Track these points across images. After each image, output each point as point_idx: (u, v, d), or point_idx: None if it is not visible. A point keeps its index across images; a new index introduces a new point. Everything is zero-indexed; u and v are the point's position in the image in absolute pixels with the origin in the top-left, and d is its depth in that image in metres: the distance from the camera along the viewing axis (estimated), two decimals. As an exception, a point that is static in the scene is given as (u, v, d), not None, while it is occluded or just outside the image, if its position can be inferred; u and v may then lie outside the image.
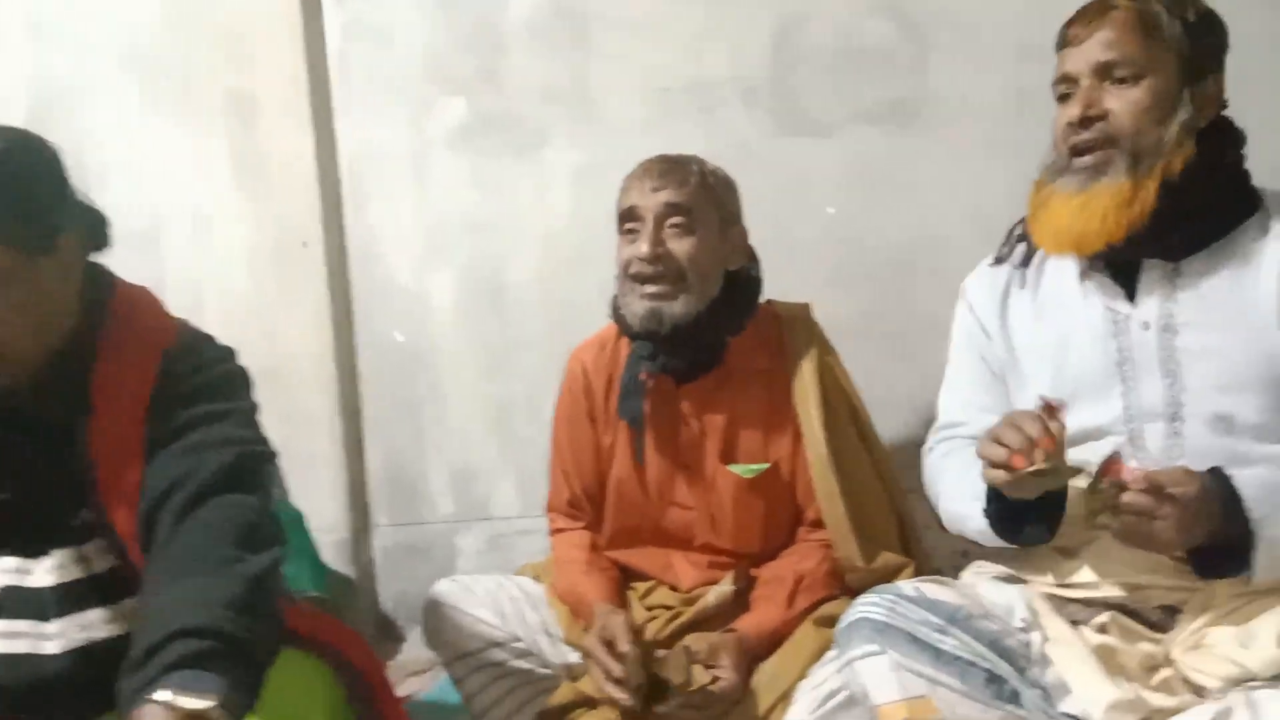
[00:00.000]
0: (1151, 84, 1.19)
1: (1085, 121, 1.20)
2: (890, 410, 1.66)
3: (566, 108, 2.00)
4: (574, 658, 1.49)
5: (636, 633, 1.42)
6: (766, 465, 1.51)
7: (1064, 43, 1.24)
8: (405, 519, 2.11)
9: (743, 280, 1.56)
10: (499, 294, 2.06)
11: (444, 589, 1.56)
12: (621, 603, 1.51)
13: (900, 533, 1.54)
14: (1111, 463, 1.12)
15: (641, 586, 1.57)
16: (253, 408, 1.23)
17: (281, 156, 2.07)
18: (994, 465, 1.14)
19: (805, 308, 1.60)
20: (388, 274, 2.09)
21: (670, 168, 1.51)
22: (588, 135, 1.99)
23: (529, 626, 1.52)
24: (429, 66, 2.04)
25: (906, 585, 1.22)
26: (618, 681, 1.36)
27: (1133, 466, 1.10)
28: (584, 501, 1.62)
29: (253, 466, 1.17)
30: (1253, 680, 1.08)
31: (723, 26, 1.92)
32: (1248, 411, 1.18)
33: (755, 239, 1.57)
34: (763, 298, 1.58)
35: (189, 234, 2.11)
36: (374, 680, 1.21)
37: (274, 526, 1.14)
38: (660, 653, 1.40)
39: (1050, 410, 1.14)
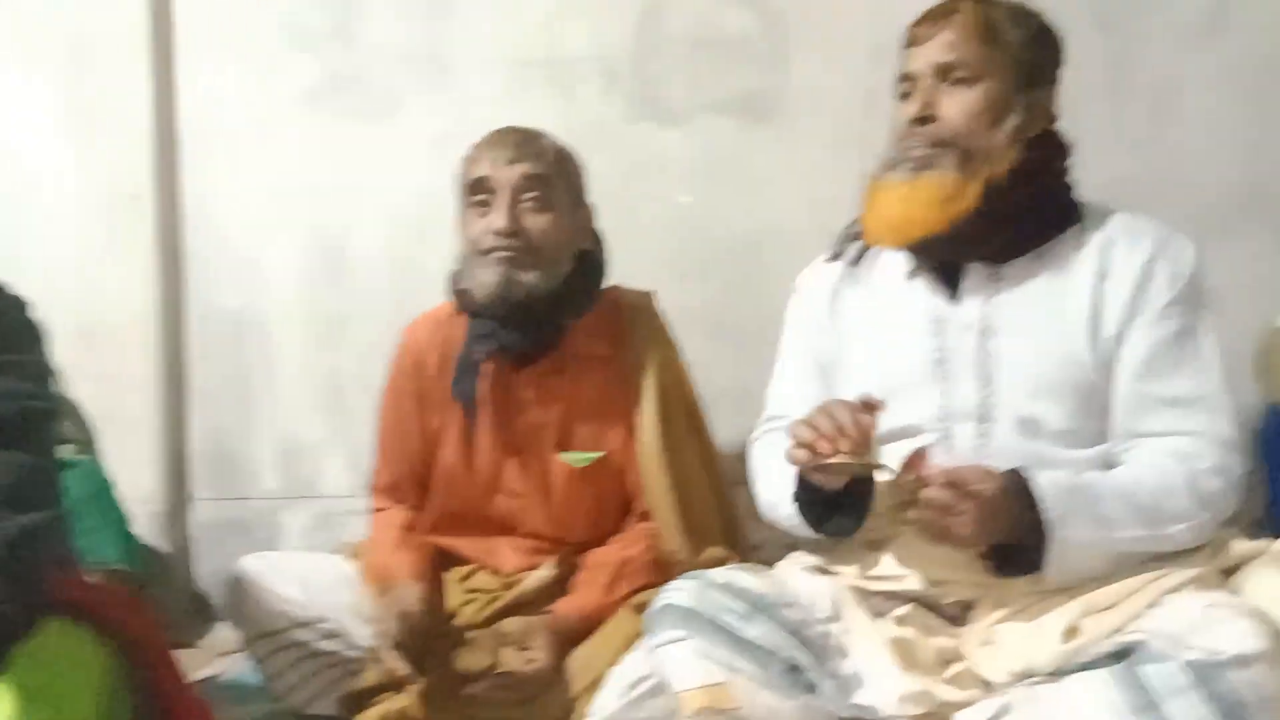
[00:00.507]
0: (987, 87, 1.21)
1: (921, 121, 1.22)
2: (730, 402, 1.65)
3: (421, 74, 1.94)
4: (384, 639, 1.44)
5: (433, 608, 1.38)
6: (600, 454, 1.49)
7: (909, 42, 1.25)
8: (227, 493, 2.02)
9: (589, 263, 1.53)
10: (340, 263, 1.98)
11: (250, 565, 1.50)
12: (433, 581, 1.46)
13: (727, 527, 1.53)
14: (916, 457, 1.14)
15: (462, 569, 1.52)
16: (41, 362, 1.14)
17: (116, 104, 1.96)
18: (800, 445, 1.14)
19: (649, 296, 1.58)
20: (223, 235, 1.99)
21: (526, 139, 1.47)
22: (442, 104, 1.93)
23: (338, 607, 1.46)
24: (280, 20, 1.95)
25: (717, 572, 1.21)
26: (397, 647, 1.32)
27: (936, 463, 1.12)
28: (405, 485, 1.57)
29: (33, 422, 1.09)
30: (1035, 675, 1.10)
31: (585, 5, 1.90)
32: (1054, 417, 1.21)
33: (603, 223, 1.55)
34: (607, 283, 1.55)
35: (11, 179, 1.97)
36: (155, 657, 1.14)
37: (48, 487, 1.06)
38: (471, 634, 1.37)
39: (868, 406, 1.15)
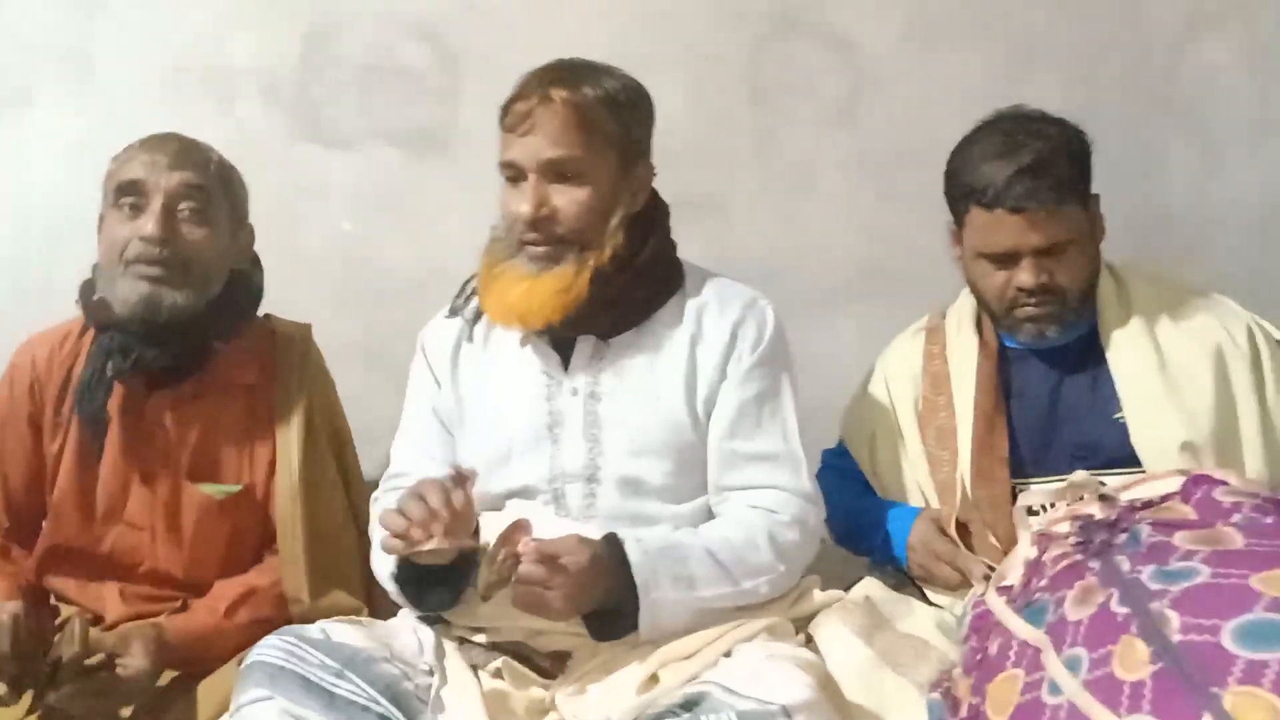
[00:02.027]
0: (595, 183, 1.25)
1: (536, 221, 1.23)
2: (388, 437, 1.63)
3: (62, 67, 1.77)
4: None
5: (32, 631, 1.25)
6: (239, 487, 1.41)
7: (508, 126, 1.26)
8: None
9: (243, 285, 1.46)
10: (-50, 268, 1.77)
11: None
12: (35, 604, 1.32)
13: (367, 573, 1.42)
14: (511, 532, 1.16)
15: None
16: None
17: None
18: (395, 535, 1.13)
19: (306, 328, 1.53)
20: None
21: (188, 148, 1.39)
22: (84, 102, 1.78)
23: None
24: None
25: (313, 628, 1.18)
26: None
27: (529, 539, 1.14)
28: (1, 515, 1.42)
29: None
30: (613, 725, 1.15)
31: (251, 16, 1.81)
32: (656, 475, 1.28)
33: (261, 246, 1.49)
34: (263, 309, 1.48)
35: None
36: None
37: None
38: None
39: (459, 479, 1.16)
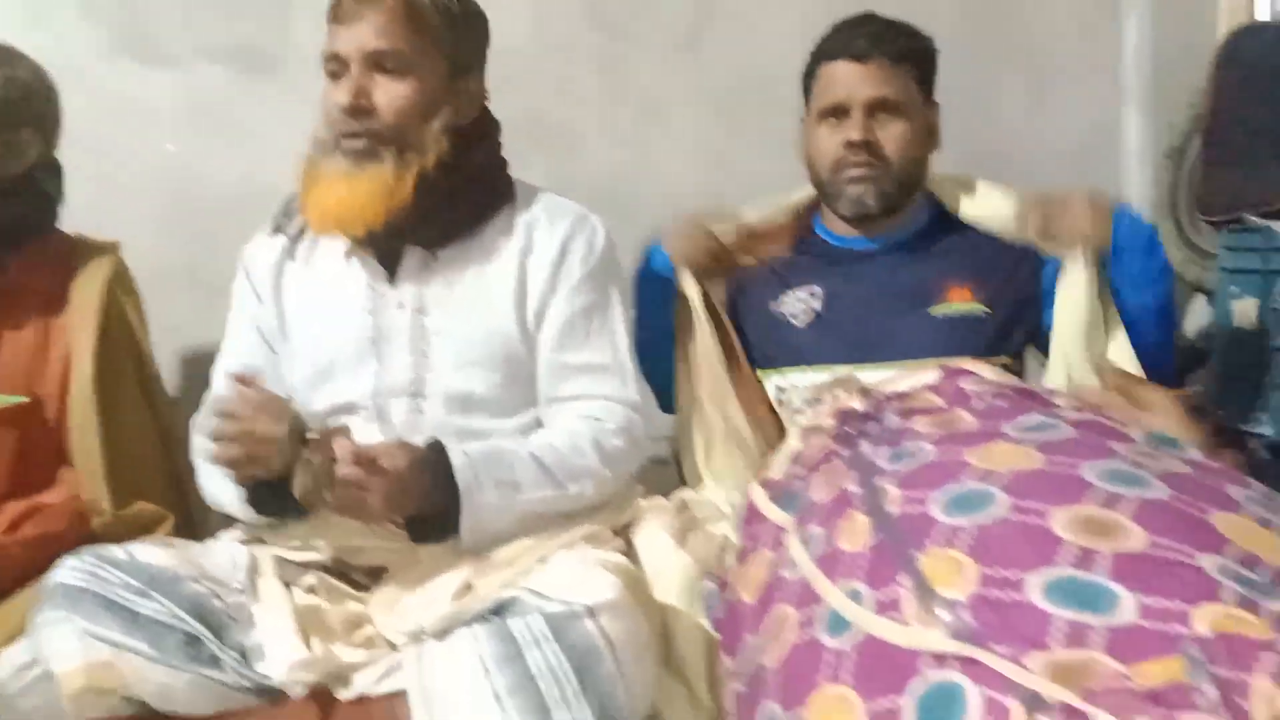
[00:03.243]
0: (419, 80, 1.23)
1: (355, 111, 1.21)
2: (204, 362, 1.60)
3: None
4: None
5: None
6: (23, 399, 1.36)
7: (334, 17, 1.24)
8: None
9: (33, 193, 1.41)
10: None
11: None
12: None
13: (172, 486, 1.45)
14: (328, 436, 1.15)
15: None
16: None
17: None
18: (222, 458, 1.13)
19: (111, 244, 1.48)
20: None
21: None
22: None
23: None
24: None
25: (117, 548, 1.16)
26: None
27: (345, 441, 1.14)
28: None
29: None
30: (427, 634, 1.16)
31: (67, -77, 1.71)
32: (483, 388, 1.29)
33: (76, 166, 1.43)
34: (75, 229, 1.44)
35: None
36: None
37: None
38: None
39: (242, 380, 1.15)
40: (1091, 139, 2.07)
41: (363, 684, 1.15)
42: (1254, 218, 1.56)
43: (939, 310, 1.44)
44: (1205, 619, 0.57)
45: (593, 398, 1.31)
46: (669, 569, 1.22)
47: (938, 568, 0.64)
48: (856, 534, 0.70)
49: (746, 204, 1.64)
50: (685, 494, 1.36)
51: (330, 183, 1.23)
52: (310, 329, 1.31)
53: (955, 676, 0.58)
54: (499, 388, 1.30)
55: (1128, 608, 0.58)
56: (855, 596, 0.66)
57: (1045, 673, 0.56)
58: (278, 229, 1.36)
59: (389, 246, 1.29)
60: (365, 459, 1.12)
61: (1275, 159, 1.63)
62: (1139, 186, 2.07)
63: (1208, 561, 0.60)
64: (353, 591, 1.24)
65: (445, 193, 1.25)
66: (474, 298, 1.30)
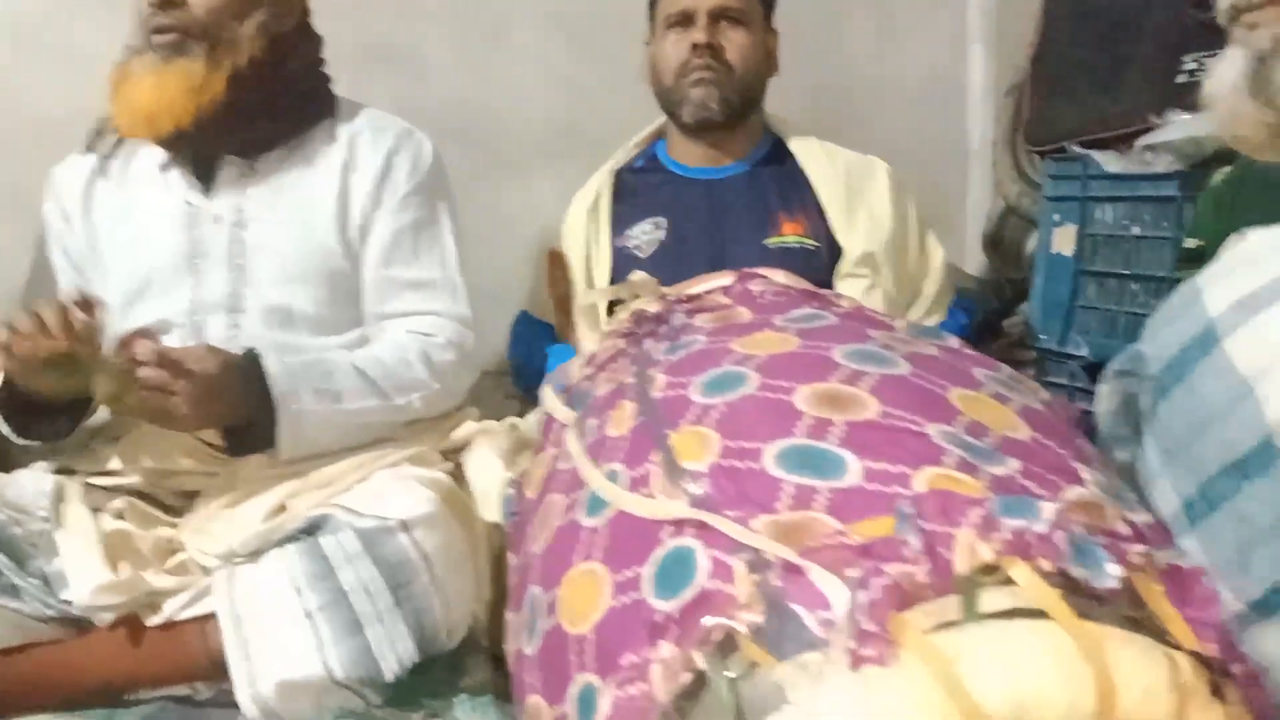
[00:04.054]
0: None
1: (164, 3, 1.18)
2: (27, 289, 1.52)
3: None
4: None
5: None
6: None
7: None
8: None
9: None
10: None
11: None
12: None
13: None
14: (132, 338, 1.11)
15: None
16: None
17: None
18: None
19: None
20: None
21: None
22: None
23: None
24: None
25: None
26: None
27: (148, 342, 1.10)
28: None
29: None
30: (239, 557, 1.14)
31: None
32: (306, 304, 1.27)
33: None
34: None
35: None
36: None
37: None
38: None
39: (85, 305, 1.09)
40: (936, 76, 2.11)
41: (172, 609, 1.13)
42: (1075, 147, 1.62)
43: (773, 242, 1.49)
44: (924, 481, 0.59)
45: (422, 314, 1.30)
46: (497, 489, 1.23)
47: (686, 443, 0.65)
48: (623, 420, 0.71)
49: (596, 130, 1.65)
50: (515, 418, 1.36)
51: (138, 80, 1.20)
52: (123, 247, 1.27)
53: (689, 542, 0.60)
54: (322, 304, 1.28)
55: (853, 472, 0.60)
56: (613, 477, 0.67)
57: (769, 533, 0.58)
58: (89, 148, 1.31)
59: (203, 155, 1.26)
60: (171, 362, 1.09)
61: (1096, 91, 1.70)
62: (981, 123, 2.13)
63: (935, 430, 0.63)
64: (164, 517, 1.21)
65: (260, 97, 1.23)
66: (294, 211, 1.27)
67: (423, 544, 1.10)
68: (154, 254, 1.26)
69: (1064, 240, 1.63)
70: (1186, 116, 1.48)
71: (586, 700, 0.60)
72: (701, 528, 0.60)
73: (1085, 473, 0.63)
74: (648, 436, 0.67)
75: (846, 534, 0.57)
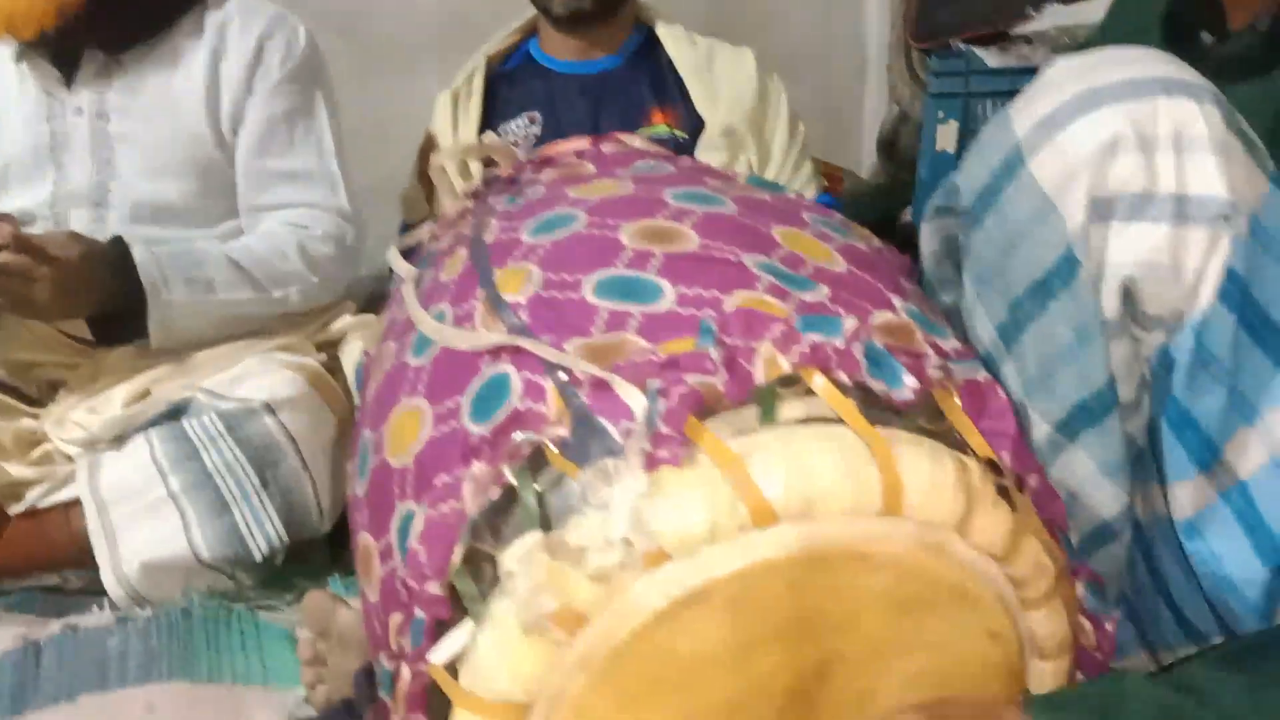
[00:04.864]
0: None
1: None
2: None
3: None
4: None
5: None
6: None
7: None
8: None
9: None
10: None
11: None
12: None
13: None
14: None
15: None
16: None
17: None
18: None
19: None
20: None
21: None
22: None
23: None
24: None
25: None
26: None
27: (5, 226, 1.07)
28: None
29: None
30: (100, 444, 1.13)
31: None
32: (173, 197, 1.25)
33: None
34: None
35: None
36: None
37: None
38: None
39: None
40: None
41: (34, 497, 1.11)
42: (958, 43, 1.63)
43: (644, 133, 1.48)
44: (734, 305, 0.60)
45: (298, 205, 1.28)
46: (367, 375, 1.22)
47: (508, 279, 0.65)
48: (455, 266, 0.71)
49: (486, 24, 1.62)
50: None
51: None
52: (-19, 140, 1.23)
53: (505, 367, 0.60)
54: (194, 196, 1.26)
55: (667, 298, 0.61)
56: (440, 318, 0.67)
57: (581, 355, 0.58)
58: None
59: (65, 49, 1.21)
60: (32, 247, 1.06)
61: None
62: (877, 29, 2.15)
63: (750, 259, 0.64)
64: (26, 408, 1.19)
65: None
66: (161, 101, 1.24)
67: (289, 425, 1.09)
68: (12, 146, 1.23)
69: (947, 137, 1.65)
70: (1060, 6, 1.50)
71: (405, 525, 0.60)
72: (517, 353, 0.60)
73: (898, 302, 0.65)
74: (474, 277, 0.67)
75: (656, 352, 0.58)
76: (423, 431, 0.63)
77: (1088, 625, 0.66)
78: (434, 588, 0.57)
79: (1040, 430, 0.70)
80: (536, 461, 0.58)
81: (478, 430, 0.59)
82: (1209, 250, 0.65)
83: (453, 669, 0.56)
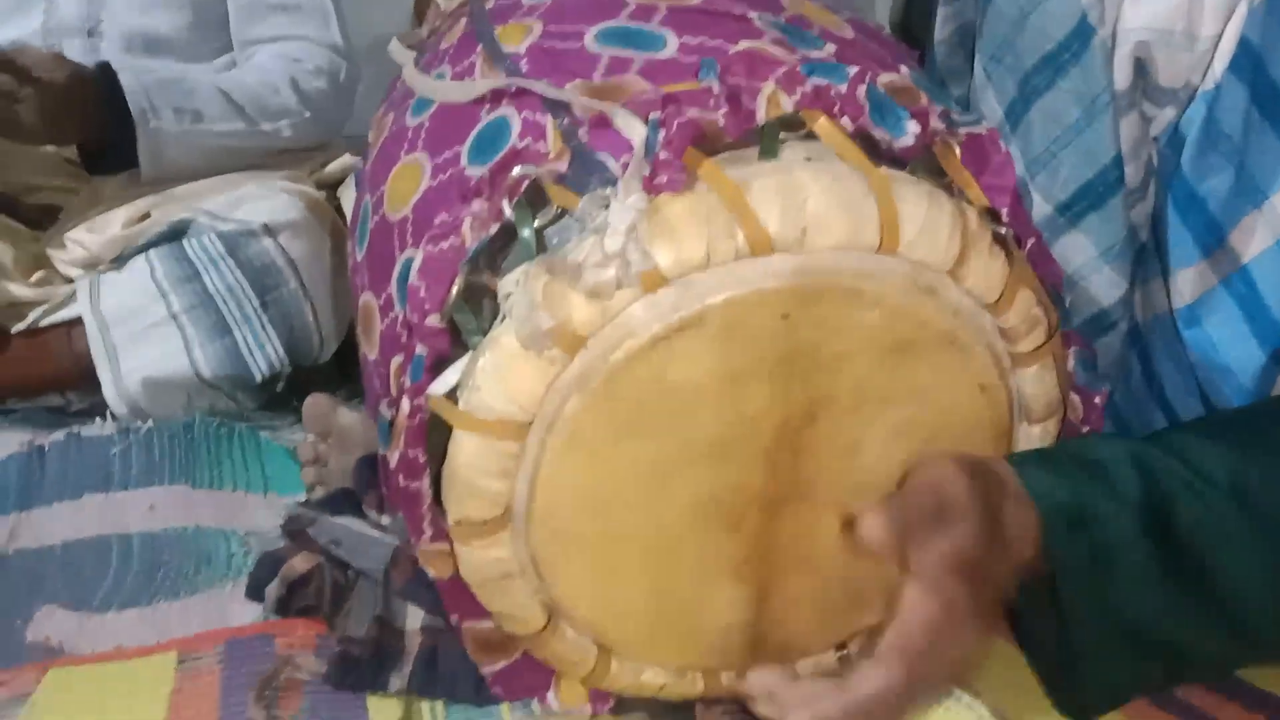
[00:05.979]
0: None
1: None
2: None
3: None
4: None
5: None
6: None
7: None
8: None
9: None
10: None
11: None
12: None
13: None
14: None
15: None
16: None
17: None
18: None
19: None
20: None
21: None
22: None
23: None
24: None
25: None
26: None
27: None
28: None
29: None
30: (101, 264, 1.13)
31: None
32: (165, 28, 1.23)
33: None
34: None
35: None
36: None
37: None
38: None
39: None
40: None
41: (35, 316, 1.11)
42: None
43: None
44: (738, 50, 0.59)
45: (290, 39, 1.26)
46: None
47: (509, 33, 0.65)
48: (455, 33, 0.70)
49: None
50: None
51: None
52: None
53: (505, 111, 0.60)
54: (186, 28, 1.24)
55: (671, 47, 0.61)
56: (440, 78, 0.66)
57: (581, 93, 0.58)
58: None
59: None
60: (16, 67, 1.04)
61: None
62: None
63: (757, 16, 0.63)
64: (26, 230, 1.18)
65: None
66: None
67: (288, 249, 1.09)
68: None
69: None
70: None
71: (404, 270, 0.60)
72: (517, 96, 0.60)
73: (904, 69, 0.64)
74: (474, 37, 0.66)
75: (657, 91, 0.57)
76: (422, 183, 0.63)
77: (1077, 400, 0.67)
78: (434, 320, 0.57)
79: (1042, 211, 0.69)
80: (537, 199, 0.57)
81: (477, 172, 0.59)
82: (1223, 16, 0.64)
83: (453, 398, 0.57)
